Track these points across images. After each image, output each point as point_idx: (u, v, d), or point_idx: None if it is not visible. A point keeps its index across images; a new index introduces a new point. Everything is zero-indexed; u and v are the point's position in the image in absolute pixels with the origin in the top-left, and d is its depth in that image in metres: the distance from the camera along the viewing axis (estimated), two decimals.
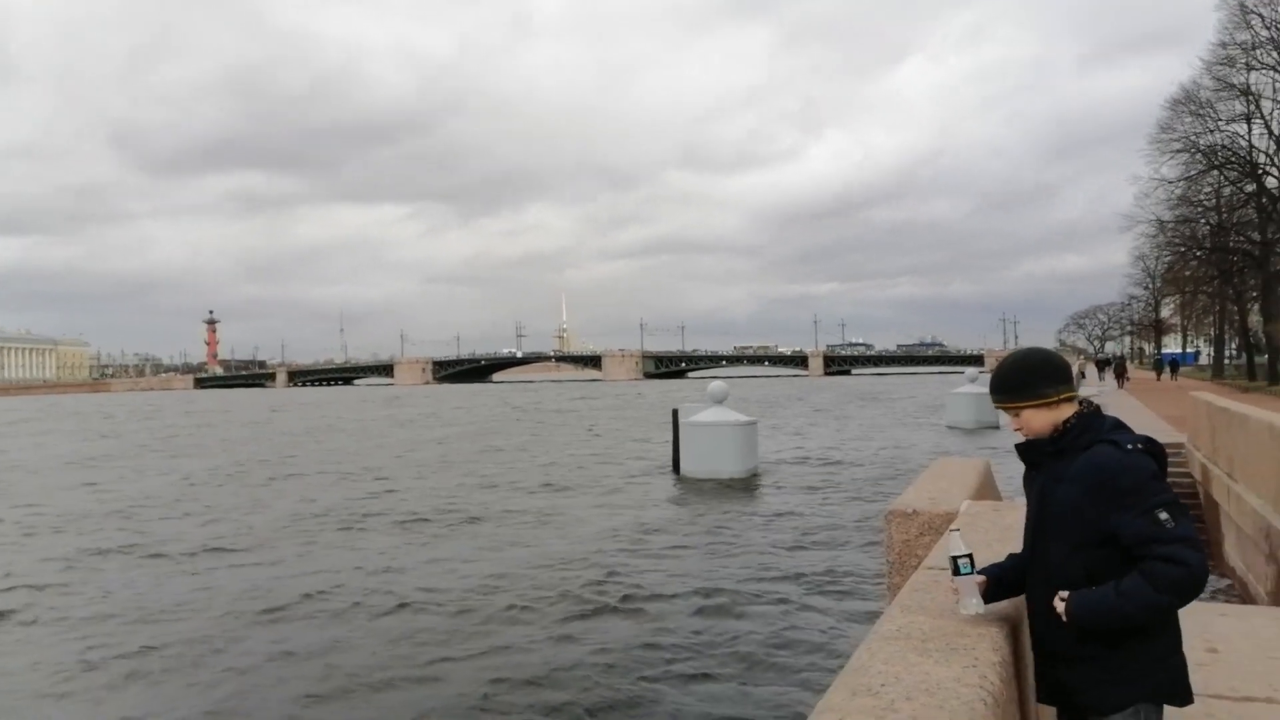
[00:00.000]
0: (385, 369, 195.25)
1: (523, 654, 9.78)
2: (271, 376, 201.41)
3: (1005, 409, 2.64)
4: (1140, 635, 2.37)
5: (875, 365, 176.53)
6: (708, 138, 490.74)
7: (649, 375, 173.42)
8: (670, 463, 24.83)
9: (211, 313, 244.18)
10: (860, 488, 21.57)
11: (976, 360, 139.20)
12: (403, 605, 11.86)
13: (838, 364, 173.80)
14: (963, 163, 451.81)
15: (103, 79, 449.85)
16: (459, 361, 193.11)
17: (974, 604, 2.62)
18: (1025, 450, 2.61)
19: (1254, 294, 47.08)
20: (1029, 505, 2.64)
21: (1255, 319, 49.76)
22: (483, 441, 38.57)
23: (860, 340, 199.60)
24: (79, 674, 9.57)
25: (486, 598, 12.18)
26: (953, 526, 2.75)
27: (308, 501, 21.66)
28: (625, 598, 11.96)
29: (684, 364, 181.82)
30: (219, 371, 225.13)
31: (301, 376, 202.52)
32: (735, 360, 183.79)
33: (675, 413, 24.91)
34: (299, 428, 52.29)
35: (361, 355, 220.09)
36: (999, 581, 2.67)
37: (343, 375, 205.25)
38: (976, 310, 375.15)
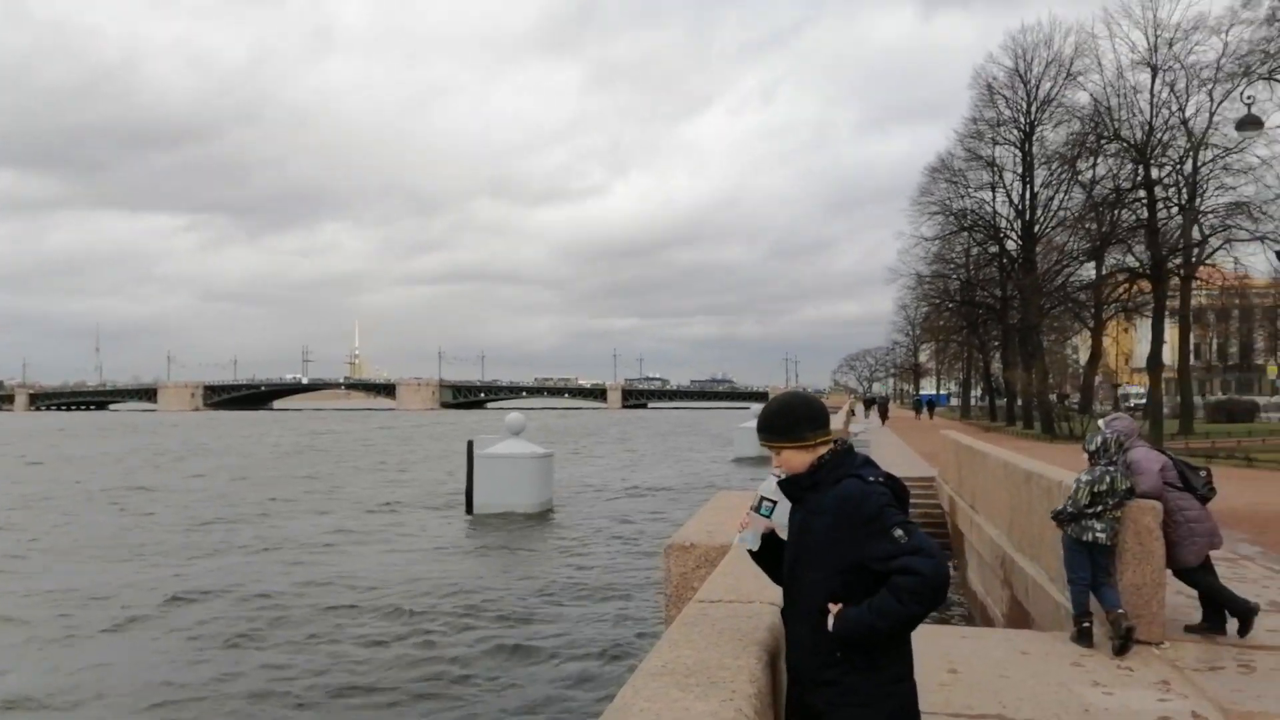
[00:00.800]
0: (148, 393, 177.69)
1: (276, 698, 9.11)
2: (10, 399, 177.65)
3: (770, 447, 2.79)
4: (876, 662, 2.55)
5: (670, 399, 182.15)
6: (518, 169, 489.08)
7: (446, 405, 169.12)
8: (464, 496, 24.19)
9: None
10: (650, 519, 21.99)
11: (762, 397, 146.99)
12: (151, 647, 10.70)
13: (635, 397, 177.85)
14: (755, 211, 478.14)
15: None
16: (236, 387, 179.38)
17: (751, 540, 2.81)
18: (786, 486, 2.76)
19: (996, 343, 53.06)
20: (789, 537, 2.77)
21: (997, 365, 56.05)
22: (253, 474, 35.87)
23: (657, 375, 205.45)
24: None
25: (249, 637, 11.25)
26: (774, 470, 2.83)
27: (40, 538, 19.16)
28: (401, 637, 11.43)
29: (483, 394, 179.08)
30: None
31: (47, 400, 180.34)
32: (536, 392, 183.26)
33: (470, 444, 24.33)
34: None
35: (121, 377, 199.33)
36: (771, 547, 2.83)
37: (96, 400, 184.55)
38: (763, 350, 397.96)
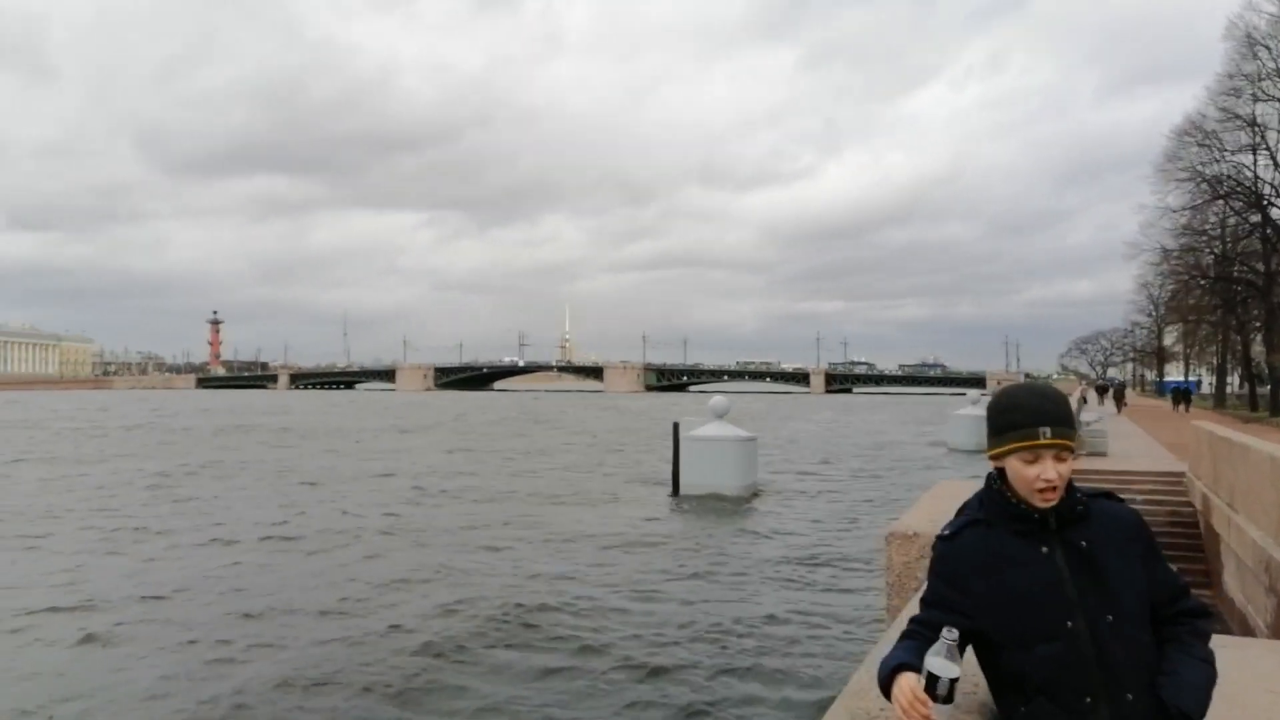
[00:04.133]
0: (387, 374, 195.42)
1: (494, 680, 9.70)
2: (273, 378, 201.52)
3: (1064, 445, 2.04)
4: None
5: (877, 384, 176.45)
6: (728, 154, 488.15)
7: (650, 388, 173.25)
8: (669, 477, 24.75)
9: (215, 313, 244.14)
10: (859, 507, 21.51)
11: (978, 382, 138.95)
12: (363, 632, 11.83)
13: (839, 382, 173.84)
14: (975, 186, 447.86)
15: (137, 82, 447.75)
16: (461, 369, 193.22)
17: None
18: (1062, 511, 2.06)
19: (1257, 324, 47.05)
20: (1048, 582, 2.01)
21: (1258, 349, 49.73)
22: (481, 449, 38.54)
23: (862, 359, 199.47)
24: None
25: (450, 619, 11.61)
26: (946, 635, 1.97)
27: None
28: (615, 611, 11.90)
29: (685, 377, 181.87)
30: (221, 372, 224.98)
31: (303, 379, 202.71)
32: (737, 375, 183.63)
33: (676, 426, 24.77)
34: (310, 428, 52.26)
35: (364, 360, 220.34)
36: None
37: (344, 379, 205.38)
38: (980, 332, 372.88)
